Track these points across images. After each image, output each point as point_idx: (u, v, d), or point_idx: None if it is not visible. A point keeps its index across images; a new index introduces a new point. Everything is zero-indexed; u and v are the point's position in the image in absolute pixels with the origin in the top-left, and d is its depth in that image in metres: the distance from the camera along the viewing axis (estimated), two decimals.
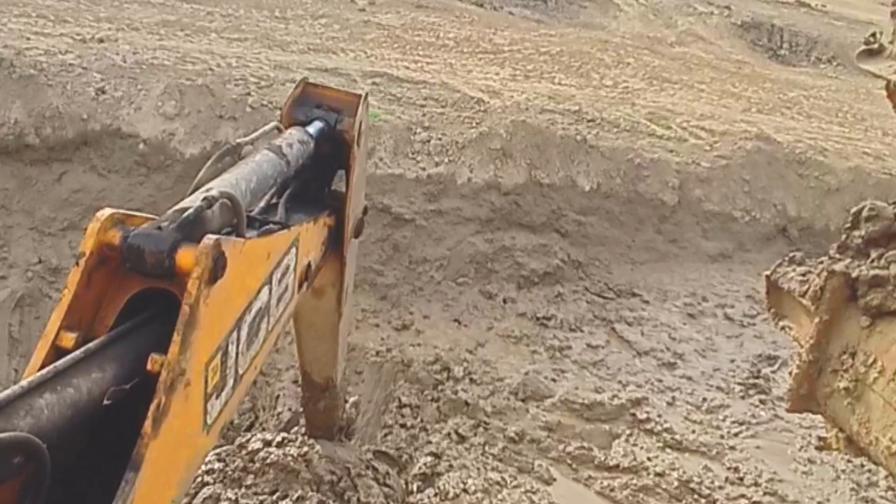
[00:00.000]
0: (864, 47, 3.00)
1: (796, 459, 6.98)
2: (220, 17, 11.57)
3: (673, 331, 8.70)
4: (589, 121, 10.16)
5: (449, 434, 6.66)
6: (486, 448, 6.56)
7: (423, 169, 8.63)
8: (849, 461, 6.75)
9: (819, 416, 4.44)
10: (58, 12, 9.73)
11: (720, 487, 6.49)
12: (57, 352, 1.81)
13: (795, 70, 19.15)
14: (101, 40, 8.72)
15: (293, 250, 2.75)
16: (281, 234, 2.62)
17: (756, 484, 6.57)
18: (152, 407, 1.78)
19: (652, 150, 10.05)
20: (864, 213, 4.00)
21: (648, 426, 7.08)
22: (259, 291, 2.39)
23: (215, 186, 2.30)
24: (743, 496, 6.43)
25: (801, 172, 10.70)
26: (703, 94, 13.69)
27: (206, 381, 2.05)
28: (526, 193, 9.10)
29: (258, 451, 5.12)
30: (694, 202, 9.99)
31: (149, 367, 1.84)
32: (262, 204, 3.00)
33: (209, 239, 1.89)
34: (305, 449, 5.16)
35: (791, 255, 4.65)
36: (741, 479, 6.62)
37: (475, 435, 6.70)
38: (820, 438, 4.87)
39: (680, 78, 14.61)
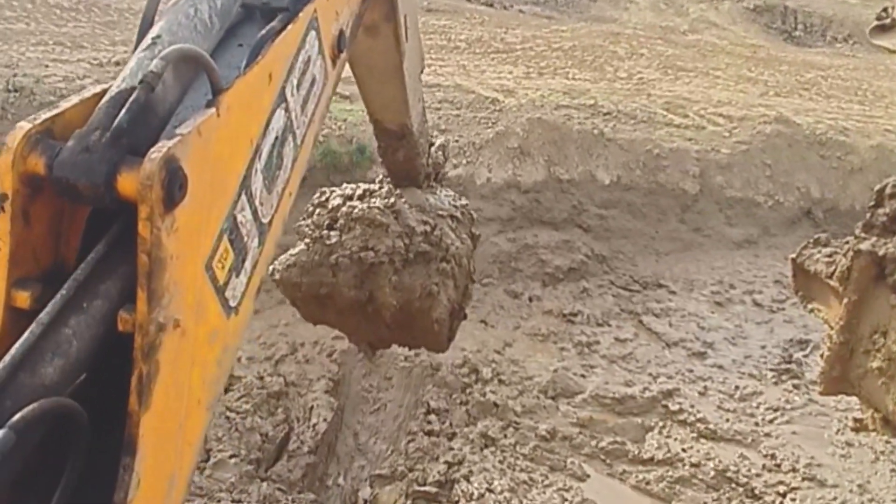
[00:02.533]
0: (875, 23, 2.95)
1: (833, 443, 6.90)
2: None
3: (701, 320, 8.64)
4: (605, 114, 10.12)
5: (478, 436, 6.64)
6: (517, 448, 6.54)
7: (445, 172, 8.62)
8: (887, 442, 6.66)
9: (854, 398, 4.40)
10: (74, 38, 9.85)
11: (758, 475, 6.43)
12: (13, 314, 1.54)
13: (811, 51, 18.95)
14: (117, 63, 8.81)
15: (310, 37, 2.23)
16: (283, 37, 2.04)
17: (794, 470, 6.51)
18: (133, 380, 1.50)
19: (670, 140, 9.99)
20: (888, 191, 3.96)
21: (681, 417, 7.04)
22: (269, 122, 2.00)
23: (162, 33, 1.82)
24: (781, 482, 6.37)
25: (823, 153, 10.59)
26: (720, 81, 13.59)
27: (214, 279, 1.75)
28: (546, 190, 9.09)
29: (339, 206, 4.60)
30: (716, 189, 9.92)
31: (119, 327, 1.53)
32: None
33: (151, 161, 1.45)
34: (392, 199, 4.62)
35: (816, 236, 4.61)
36: (778, 465, 6.56)
37: (505, 436, 6.68)
38: (856, 420, 4.81)
39: (695, 66, 14.52)
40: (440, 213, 4.77)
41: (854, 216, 9.43)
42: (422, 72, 4.27)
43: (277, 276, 4.43)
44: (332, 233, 4.52)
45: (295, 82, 2.14)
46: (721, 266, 9.65)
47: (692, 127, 10.48)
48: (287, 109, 2.10)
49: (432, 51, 12.47)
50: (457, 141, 8.89)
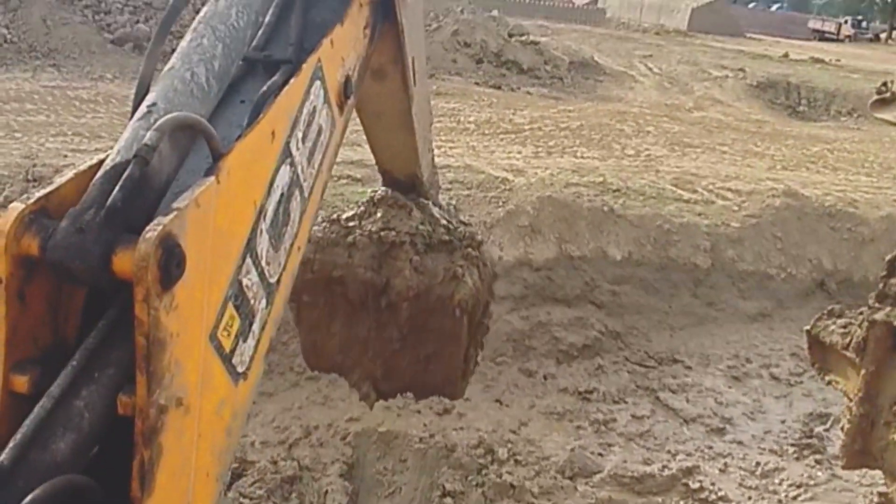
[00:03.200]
0: (876, 97, 3.02)
1: None
2: None
3: (719, 395, 8.54)
4: (614, 191, 10.22)
5: None
6: None
7: None
8: None
9: (878, 472, 4.31)
10: (92, 129, 10.10)
11: None
12: (13, 399, 1.48)
13: (816, 125, 19.19)
14: None
15: (314, 87, 2.14)
16: (286, 92, 1.97)
17: None
18: (135, 466, 1.44)
19: (680, 215, 10.05)
20: None
21: (702, 496, 6.89)
22: (273, 180, 1.91)
23: (157, 100, 1.77)
24: None
25: (833, 225, 10.61)
26: (727, 156, 13.74)
27: (219, 348, 1.68)
28: (557, 268, 9.11)
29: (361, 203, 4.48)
30: (728, 263, 9.92)
31: (119, 410, 1.47)
32: (260, 32, 2.22)
33: (146, 241, 1.39)
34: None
35: (830, 308, 4.59)
36: None
37: None
38: (881, 495, 4.71)
39: (701, 141, 14.70)
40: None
41: (867, 287, 9.36)
42: (431, 124, 4.19)
43: None
44: (352, 215, 4.28)
45: (300, 135, 2.07)
46: (736, 340, 9.58)
47: (701, 202, 10.56)
48: (292, 164, 2.02)
49: (442, 133, 12.70)
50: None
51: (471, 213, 9.09)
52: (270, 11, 2.24)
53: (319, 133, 2.21)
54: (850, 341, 3.99)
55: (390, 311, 4.17)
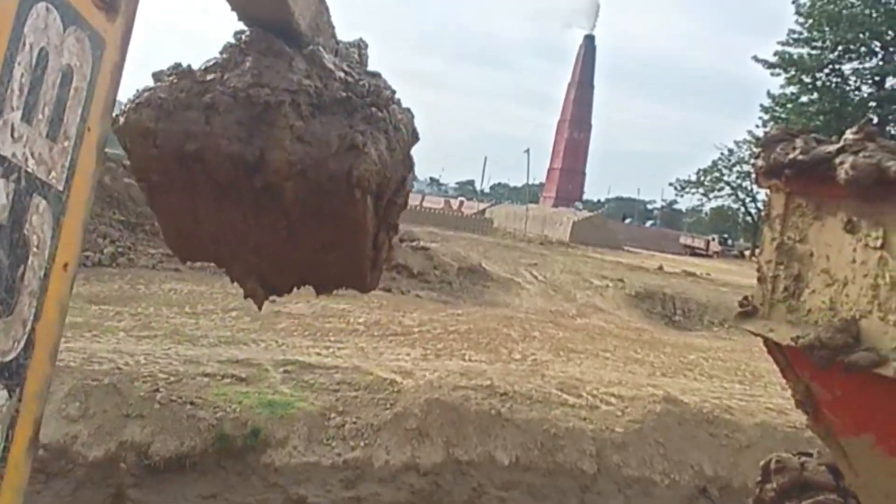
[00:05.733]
0: (739, 309, 3.25)
1: None
2: (129, 316, 11.63)
3: None
4: (502, 395, 10.29)
5: None
6: None
7: (339, 455, 8.46)
8: None
9: None
10: None
11: None
12: None
13: (692, 334, 20.15)
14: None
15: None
16: None
17: None
18: None
19: (566, 420, 10.15)
20: (773, 466, 4.10)
21: None
22: None
23: None
24: None
25: (712, 431, 10.90)
26: (609, 362, 14.15)
27: None
28: (445, 472, 8.95)
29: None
30: (613, 469, 9.96)
31: None
32: None
33: None
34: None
35: None
36: None
37: None
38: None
39: (585, 347, 15.15)
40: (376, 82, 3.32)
41: (747, 492, 9.56)
42: None
43: (122, 121, 2.89)
44: (211, 65, 3.05)
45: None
46: None
47: (586, 406, 10.72)
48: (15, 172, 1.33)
49: (331, 333, 12.69)
50: (354, 423, 8.82)
51: (358, 415, 8.95)
52: None
53: (66, 80, 1.47)
54: None
55: (269, 194, 3.13)
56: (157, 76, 2.97)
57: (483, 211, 68.62)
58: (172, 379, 8.59)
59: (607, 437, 10.18)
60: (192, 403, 8.25)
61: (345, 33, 3.32)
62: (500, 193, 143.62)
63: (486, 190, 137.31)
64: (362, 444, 8.66)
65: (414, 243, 23.07)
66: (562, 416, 10.24)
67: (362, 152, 3.00)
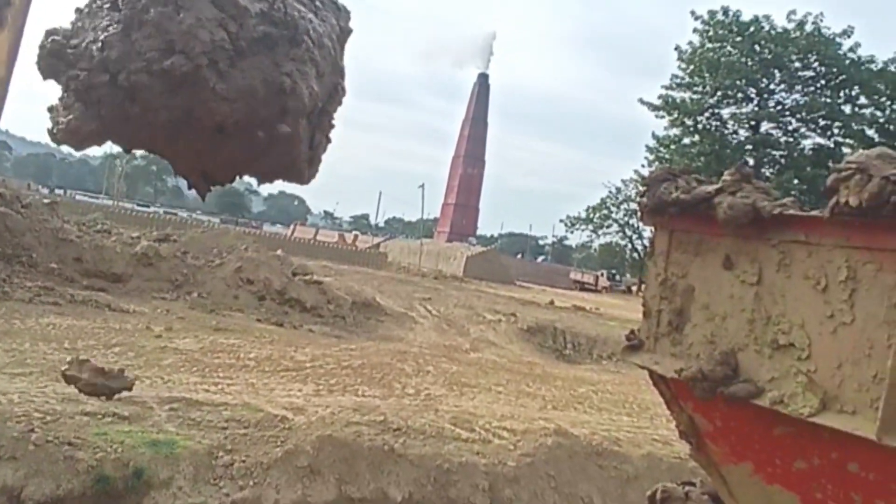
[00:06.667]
0: (626, 343, 3.36)
1: None
2: (3, 352, 11.03)
3: None
4: (395, 430, 10.22)
5: None
6: None
7: (227, 495, 8.19)
8: None
9: None
10: None
11: None
12: None
13: (581, 367, 20.59)
14: None
15: None
16: None
17: None
18: None
19: (459, 454, 10.15)
20: (659, 496, 4.20)
21: None
22: None
23: None
24: None
25: (601, 463, 11.11)
26: (501, 396, 14.28)
27: None
28: None
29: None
30: (505, 503, 10.01)
31: None
32: None
33: None
34: None
35: None
36: None
37: None
38: None
39: (478, 381, 15.24)
40: None
41: None
42: None
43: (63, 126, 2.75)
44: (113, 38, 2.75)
45: None
46: None
47: (479, 441, 10.76)
48: None
49: (220, 369, 12.35)
50: (244, 461, 8.57)
51: (247, 453, 8.71)
52: None
53: None
54: None
55: (203, 126, 3.11)
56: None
57: (377, 245, 68.59)
58: (49, 418, 8.16)
59: (500, 472, 10.22)
60: (69, 444, 7.83)
61: None
62: (395, 228, 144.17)
63: (381, 224, 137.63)
64: (251, 483, 8.42)
65: (307, 277, 22.83)
66: (455, 450, 10.23)
67: (292, 94, 3.12)
